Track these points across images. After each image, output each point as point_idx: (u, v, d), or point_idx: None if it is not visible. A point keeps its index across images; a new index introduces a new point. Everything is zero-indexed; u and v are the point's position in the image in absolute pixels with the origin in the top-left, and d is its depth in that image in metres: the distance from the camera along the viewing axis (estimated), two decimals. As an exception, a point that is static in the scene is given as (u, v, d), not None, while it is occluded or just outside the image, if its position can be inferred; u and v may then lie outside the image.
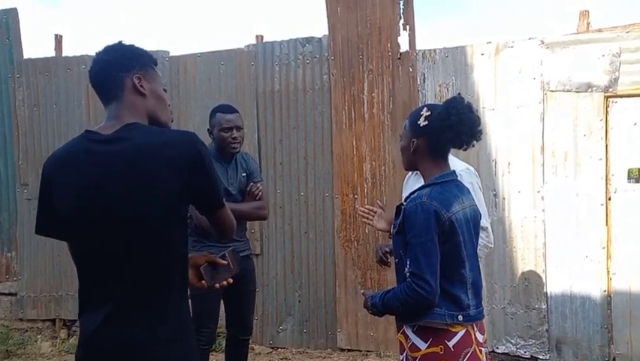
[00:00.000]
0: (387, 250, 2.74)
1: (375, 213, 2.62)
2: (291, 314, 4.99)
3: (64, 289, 5.49)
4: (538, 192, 4.32)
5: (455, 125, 1.96)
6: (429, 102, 4.53)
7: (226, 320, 3.38)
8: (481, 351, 2.00)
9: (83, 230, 1.57)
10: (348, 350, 4.79)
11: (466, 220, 2.01)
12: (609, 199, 4.17)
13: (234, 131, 3.17)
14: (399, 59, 4.59)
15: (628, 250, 4.12)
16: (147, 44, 1.75)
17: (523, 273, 4.37)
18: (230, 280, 1.81)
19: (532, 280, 4.34)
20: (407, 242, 1.96)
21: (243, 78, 5.08)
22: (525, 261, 4.36)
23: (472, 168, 2.72)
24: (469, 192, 2.13)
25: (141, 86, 1.64)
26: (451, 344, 1.93)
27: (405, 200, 2.11)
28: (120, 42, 1.69)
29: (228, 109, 3.26)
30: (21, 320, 5.62)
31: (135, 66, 1.65)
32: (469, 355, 1.94)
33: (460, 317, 1.96)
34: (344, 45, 4.74)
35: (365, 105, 4.69)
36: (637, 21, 4.10)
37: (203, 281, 1.71)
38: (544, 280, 4.31)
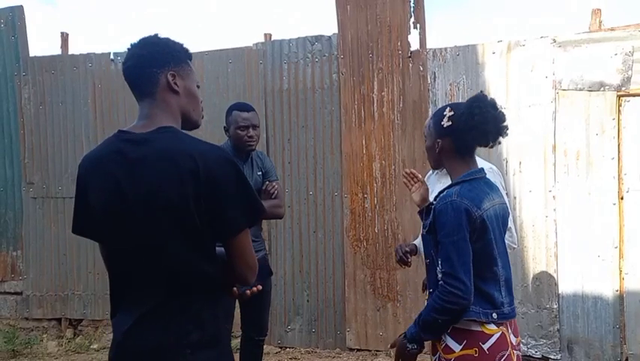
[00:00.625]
0: (408, 250, 2.72)
1: (416, 182, 2.51)
2: (299, 314, 4.97)
3: (70, 288, 5.46)
4: (550, 191, 4.30)
5: (480, 124, 1.93)
6: (439, 101, 4.52)
7: (241, 320, 3.35)
8: (515, 354, 1.97)
9: (110, 231, 1.56)
10: (357, 350, 4.77)
11: (496, 217, 1.98)
12: (622, 198, 4.15)
13: (251, 129, 3.15)
14: (409, 57, 4.57)
15: (640, 249, 4.10)
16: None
17: (534, 273, 4.35)
18: (260, 287, 1.76)
19: (544, 280, 4.32)
20: (438, 241, 1.93)
21: (251, 76, 5.06)
22: (536, 260, 4.34)
23: (495, 168, 2.70)
24: (498, 189, 2.10)
25: (175, 83, 1.60)
26: (485, 346, 1.90)
27: (435, 199, 2.08)
28: (156, 35, 1.64)
29: (245, 107, 3.23)
30: (27, 319, 5.58)
31: (170, 62, 1.60)
32: (504, 358, 1.90)
33: (495, 315, 1.92)
34: (354, 44, 4.71)
35: (375, 104, 4.66)
36: (650, 20, 4.08)
37: (235, 289, 1.66)
38: (555, 280, 4.29)
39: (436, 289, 1.98)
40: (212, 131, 4.93)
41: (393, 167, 4.63)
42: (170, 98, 1.60)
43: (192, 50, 1.71)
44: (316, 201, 4.87)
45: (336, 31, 4.78)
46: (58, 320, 5.55)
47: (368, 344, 4.74)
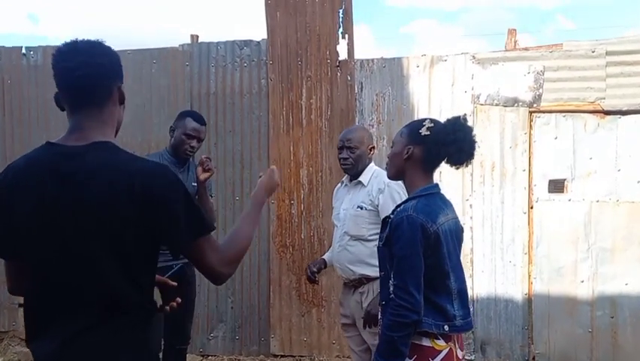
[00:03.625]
0: (315, 269, 2.91)
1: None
2: (222, 321, 4.89)
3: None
4: (467, 200, 4.52)
5: (458, 141, 1.99)
6: (366, 111, 4.64)
7: (164, 328, 3.25)
8: None
9: (35, 249, 1.44)
10: (282, 356, 4.78)
11: (450, 232, 2.02)
12: (531, 208, 4.44)
13: (195, 141, 3.20)
14: (337, 66, 4.64)
15: (547, 255, 4.41)
16: (66, 37, 1.57)
17: (452, 277, 4.55)
18: (179, 300, 1.72)
19: (460, 285, 4.53)
20: (393, 255, 1.96)
21: (176, 78, 4.94)
22: (454, 266, 4.54)
23: None
24: (452, 204, 2.15)
25: (122, 95, 1.55)
26: None
27: (392, 212, 2.11)
28: (101, 42, 1.53)
29: (200, 119, 3.27)
30: None
31: (119, 73, 1.54)
32: None
33: (446, 327, 1.96)
34: (283, 50, 4.72)
35: (303, 111, 4.69)
36: (560, 42, 4.41)
37: (167, 307, 1.62)
38: (471, 284, 4.51)
39: (389, 302, 2.00)
40: (133, 133, 4.78)
41: (320, 174, 4.68)
42: (115, 110, 1.54)
43: (115, 48, 1.62)
44: (242, 206, 4.82)
45: (265, 36, 4.77)
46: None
47: (292, 350, 4.76)
